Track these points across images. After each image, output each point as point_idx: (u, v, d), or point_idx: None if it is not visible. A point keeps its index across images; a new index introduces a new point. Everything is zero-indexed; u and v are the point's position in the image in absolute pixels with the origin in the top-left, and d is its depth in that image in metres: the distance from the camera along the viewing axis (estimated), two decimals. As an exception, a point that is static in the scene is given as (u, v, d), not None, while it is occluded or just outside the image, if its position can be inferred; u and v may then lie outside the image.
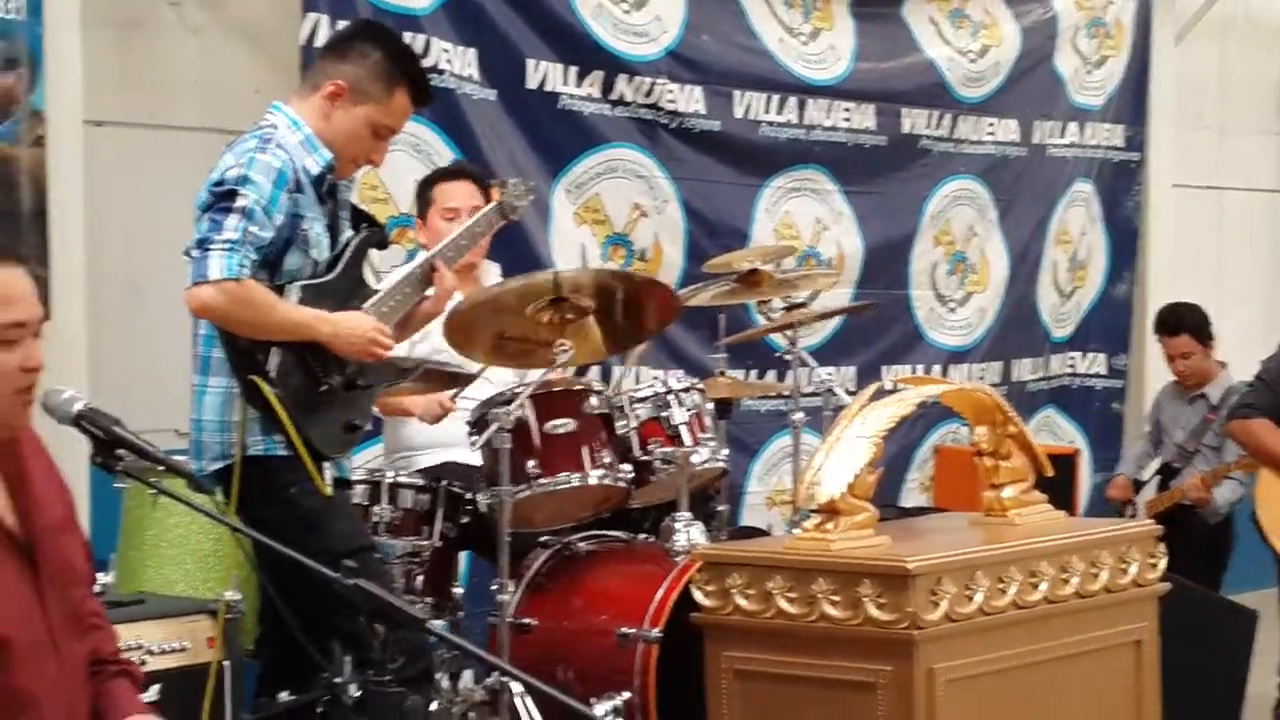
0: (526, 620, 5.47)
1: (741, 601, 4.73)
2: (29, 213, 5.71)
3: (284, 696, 3.80)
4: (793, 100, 8.45)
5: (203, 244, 4.54)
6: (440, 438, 5.89)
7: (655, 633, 5.21)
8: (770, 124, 8.37)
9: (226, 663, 4.70)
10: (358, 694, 3.10)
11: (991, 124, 9.32)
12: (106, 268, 6.31)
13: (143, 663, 4.65)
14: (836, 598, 4.55)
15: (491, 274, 6.33)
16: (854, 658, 4.55)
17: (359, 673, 3.24)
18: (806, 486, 4.71)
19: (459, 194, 6.08)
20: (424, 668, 4.42)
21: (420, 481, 5.57)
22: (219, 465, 4.62)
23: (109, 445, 3.20)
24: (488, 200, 5.57)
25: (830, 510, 4.66)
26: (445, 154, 7.00)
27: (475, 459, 5.54)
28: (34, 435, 3.36)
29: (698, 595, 4.84)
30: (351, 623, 3.87)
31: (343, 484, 4.79)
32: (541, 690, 4.74)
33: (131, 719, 3.35)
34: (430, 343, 5.76)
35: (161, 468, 3.30)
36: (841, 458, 4.66)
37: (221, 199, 4.55)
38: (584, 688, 5.22)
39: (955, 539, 4.95)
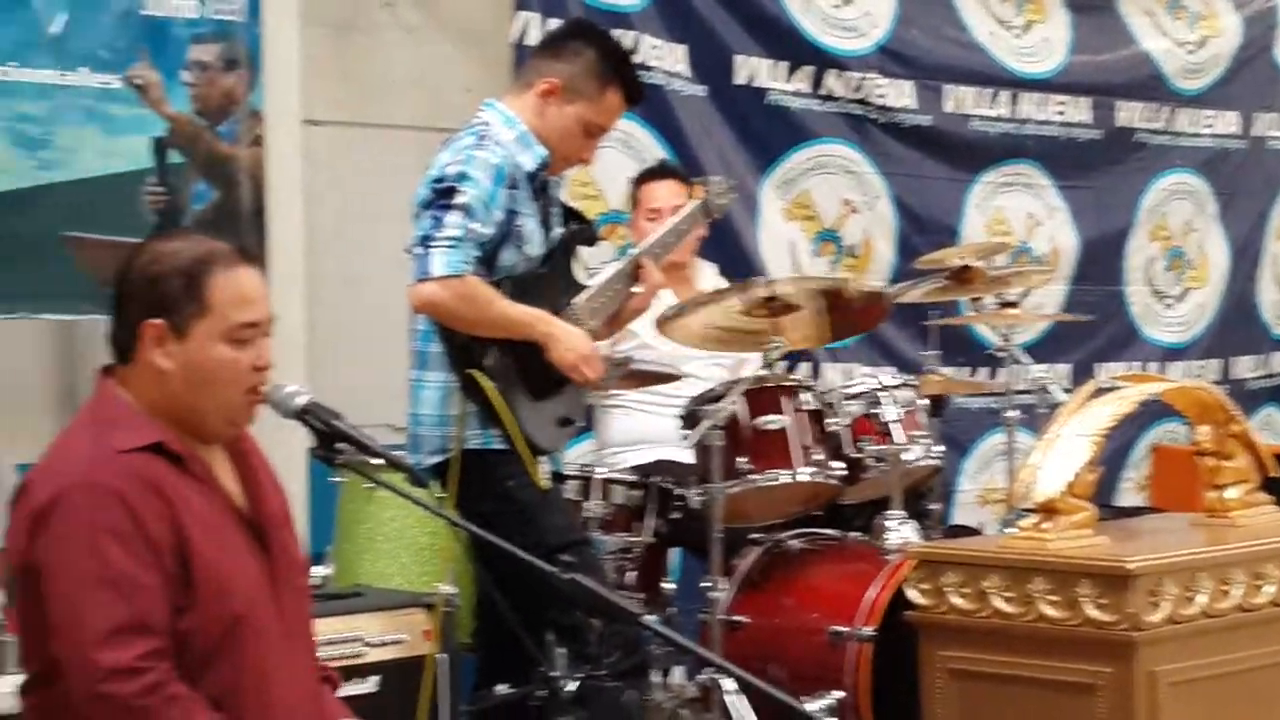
0: (738, 617, 5.46)
1: (956, 600, 4.68)
2: (248, 211, 5.81)
3: (501, 689, 3.82)
4: (1005, 94, 8.33)
5: (425, 241, 4.60)
6: (651, 433, 5.91)
7: (868, 631, 5.17)
8: (981, 118, 8.26)
9: (443, 656, 4.74)
10: (575, 688, 3.10)
11: (1210, 116, 9.11)
12: (323, 265, 6.40)
13: (360, 655, 4.72)
14: (1054, 598, 4.48)
15: (705, 273, 6.34)
16: (1072, 659, 4.48)
17: (575, 667, 3.25)
18: (1023, 485, 4.65)
19: (661, 194, 6.09)
20: (639, 662, 4.43)
21: (632, 477, 5.58)
22: (436, 459, 4.67)
23: (330, 439, 3.25)
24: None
25: (1048, 509, 4.59)
26: (655, 151, 7.00)
27: (686, 455, 5.54)
28: (250, 433, 3.42)
29: (912, 594, 4.79)
30: (567, 616, 3.90)
31: (557, 478, 4.82)
32: (755, 687, 4.75)
33: None
34: (635, 339, 5.77)
35: (380, 461, 3.33)
36: (1060, 456, 4.59)
37: (442, 196, 4.60)
38: (795, 686, 5.19)
39: (1176, 540, 4.85)
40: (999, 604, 4.58)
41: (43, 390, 6.81)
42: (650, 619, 3.03)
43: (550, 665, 3.24)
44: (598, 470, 5.56)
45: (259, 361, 3.24)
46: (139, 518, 3.08)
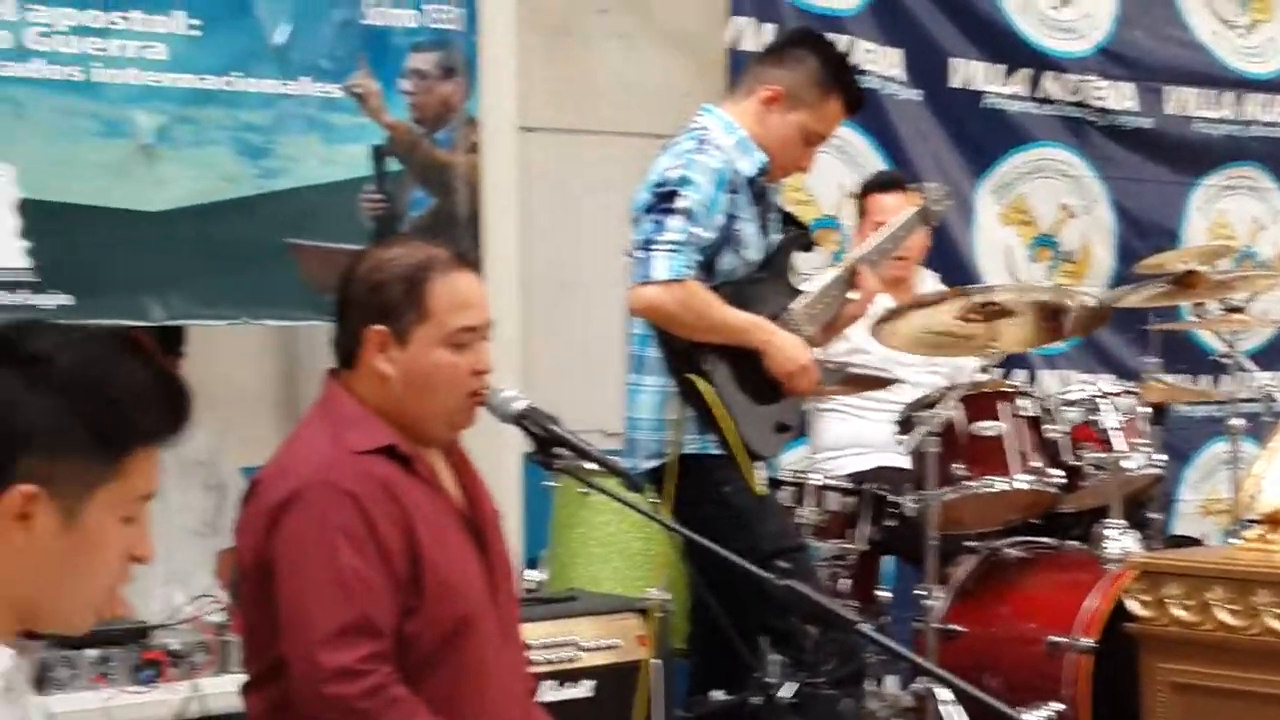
0: (953, 626, 5.40)
1: (1179, 612, 4.58)
2: (464, 217, 5.86)
3: (717, 696, 3.79)
4: (1229, 95, 8.15)
5: (647, 245, 4.62)
6: (866, 439, 5.87)
7: (1087, 642, 5.08)
8: (1204, 120, 8.08)
9: (657, 661, 4.74)
10: (791, 694, 3.08)
11: None
12: (538, 270, 6.44)
13: (574, 659, 4.74)
14: (1280, 611, 4.37)
15: (926, 281, 6.29)
16: (1302, 674, 4.37)
17: (791, 674, 3.23)
18: (1247, 495, 4.54)
19: (890, 206, 6.04)
20: (856, 670, 4.41)
21: (846, 484, 5.54)
22: (653, 463, 4.68)
23: (547, 443, 3.26)
24: None
25: (1273, 520, 4.47)
26: (869, 156, 6.97)
27: (901, 461, 5.49)
28: (456, 438, 3.45)
29: (1132, 605, 4.70)
30: (784, 622, 3.87)
31: (773, 484, 4.80)
32: (971, 697, 4.69)
33: None
34: (849, 344, 5.74)
35: (596, 466, 3.34)
36: (1286, 465, 4.48)
37: (663, 200, 4.62)
38: (1012, 696, 5.11)
39: None
40: (1222, 616, 4.47)
41: (264, 395, 6.96)
42: (866, 626, 2.99)
43: (765, 671, 3.22)
44: (812, 476, 5.54)
45: (478, 366, 3.27)
46: (371, 519, 3.12)
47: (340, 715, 3.07)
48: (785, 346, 4.69)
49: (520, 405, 3.30)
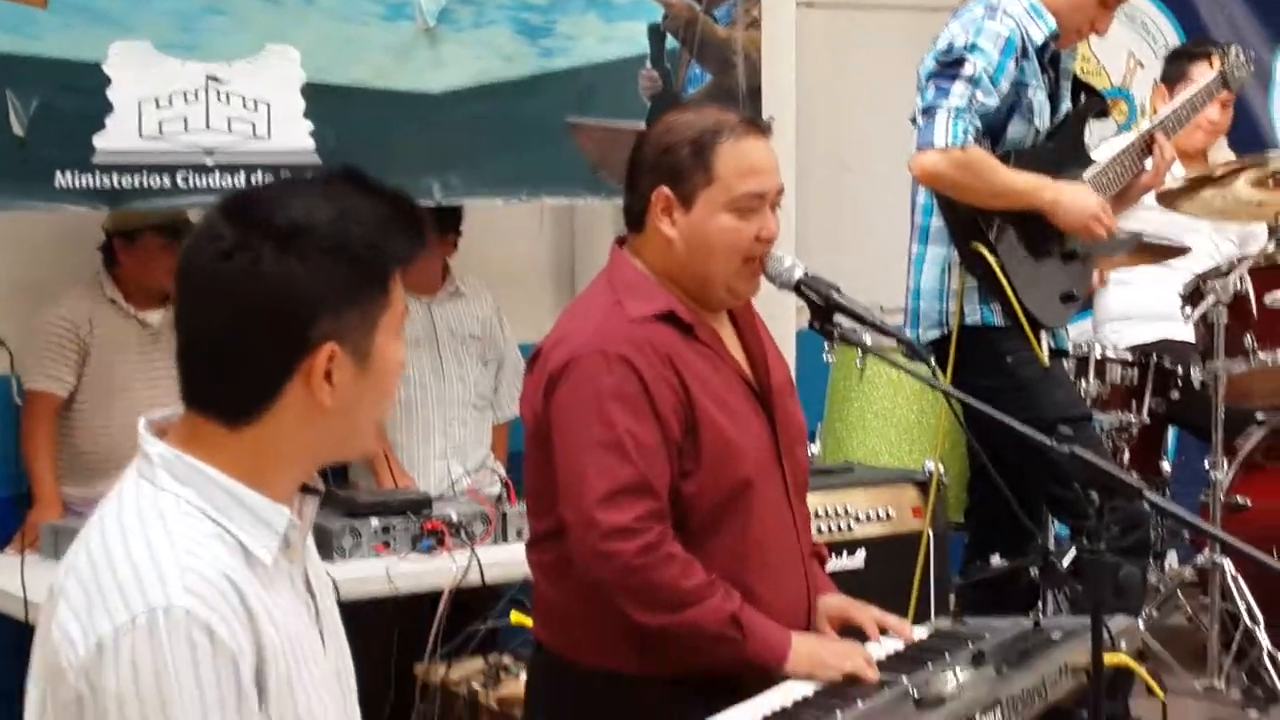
0: (1239, 499, 5.29)
1: None
2: (745, 91, 5.85)
3: (996, 561, 3.78)
4: None
5: (928, 110, 4.57)
6: (1152, 308, 5.74)
7: (1382, 516, 4.94)
8: None
9: (931, 532, 4.73)
10: (1071, 560, 3.05)
11: None
12: (814, 144, 6.42)
13: (849, 530, 4.76)
14: None
15: (1222, 150, 6.11)
16: None
17: (1073, 541, 3.19)
18: None
19: (1190, 74, 5.86)
20: (1141, 538, 4.34)
21: (1130, 357, 5.44)
22: (935, 334, 4.64)
23: (827, 312, 3.25)
24: None
25: None
26: (1161, 24, 6.78)
27: (1187, 333, 5.38)
28: (752, 305, 3.46)
29: None
30: (1066, 491, 3.82)
31: (1059, 354, 4.71)
32: (1258, 572, 4.61)
33: (825, 595, 3.42)
34: (1137, 215, 5.61)
35: (878, 335, 3.32)
36: None
37: (949, 66, 4.56)
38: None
39: None
40: None
41: (541, 273, 7.05)
42: (1152, 494, 2.95)
43: (1046, 539, 3.19)
44: (1095, 349, 5.44)
45: (763, 232, 3.26)
46: (647, 384, 3.15)
47: (616, 572, 3.13)
48: (1075, 198, 4.61)
49: (800, 272, 3.29)
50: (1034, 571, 4.77)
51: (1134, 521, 4.24)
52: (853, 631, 3.36)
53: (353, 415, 2.10)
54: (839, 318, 3.23)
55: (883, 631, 3.37)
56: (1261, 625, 4.83)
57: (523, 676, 4.88)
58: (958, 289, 4.56)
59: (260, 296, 2.02)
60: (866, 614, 3.39)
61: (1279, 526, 5.19)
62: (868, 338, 3.33)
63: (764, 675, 3.15)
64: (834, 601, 3.43)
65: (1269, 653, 4.77)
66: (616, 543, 3.11)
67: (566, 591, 3.27)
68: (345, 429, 2.11)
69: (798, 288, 3.26)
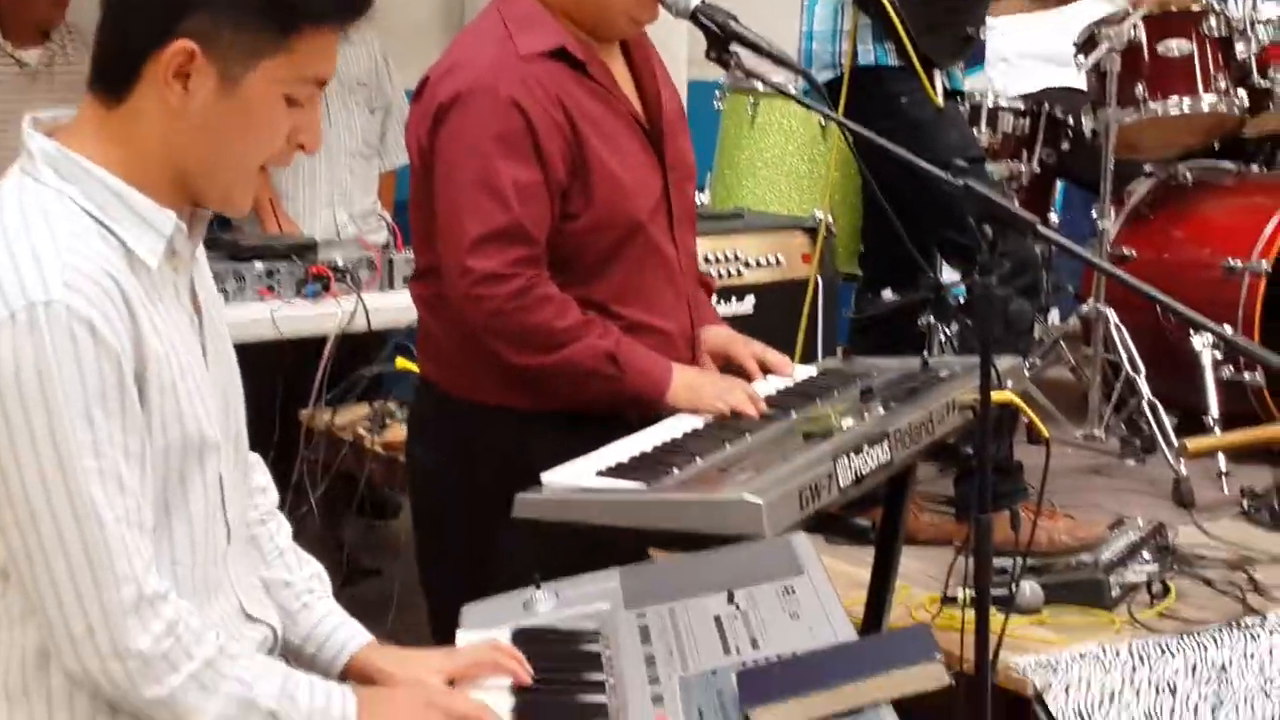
0: (1125, 250, 5.31)
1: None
2: None
3: (888, 295, 3.76)
4: None
5: None
6: (1044, 57, 5.69)
7: (1265, 265, 4.96)
8: None
9: (820, 278, 4.73)
10: (963, 295, 3.04)
11: None
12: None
13: (738, 275, 4.74)
14: None
15: None
16: None
17: (965, 278, 3.17)
18: None
19: None
20: (1031, 281, 4.31)
21: (1021, 105, 5.41)
22: (828, 75, 4.54)
23: (724, 41, 3.17)
24: None
25: None
26: None
27: (1079, 82, 5.34)
28: (646, 36, 3.38)
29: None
30: (958, 234, 3.80)
31: (954, 95, 4.65)
32: (1142, 322, 4.63)
33: (708, 328, 3.41)
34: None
35: (773, 68, 3.25)
36: None
37: None
38: (1182, 321, 5.04)
39: None
40: None
41: (430, 19, 6.91)
42: (1046, 229, 2.92)
43: (937, 273, 3.17)
44: (988, 96, 5.40)
45: None
46: (534, 125, 3.10)
47: (487, 315, 3.12)
48: None
49: (696, 0, 3.20)
50: (923, 315, 4.81)
51: (1025, 263, 4.22)
52: (735, 370, 3.36)
53: (212, 138, 2.04)
54: (736, 48, 3.16)
55: (764, 370, 3.36)
56: (1142, 375, 4.87)
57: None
58: (850, 29, 4.46)
59: None
60: (748, 350, 3.38)
61: (1163, 277, 5.18)
62: (765, 70, 3.26)
63: (648, 410, 3.15)
64: (717, 335, 3.43)
65: (1149, 401, 4.81)
66: (487, 287, 3.10)
67: (448, 327, 3.26)
68: (206, 150, 2.05)
69: (694, 16, 3.18)
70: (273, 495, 2.38)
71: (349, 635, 2.28)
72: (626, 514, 2.63)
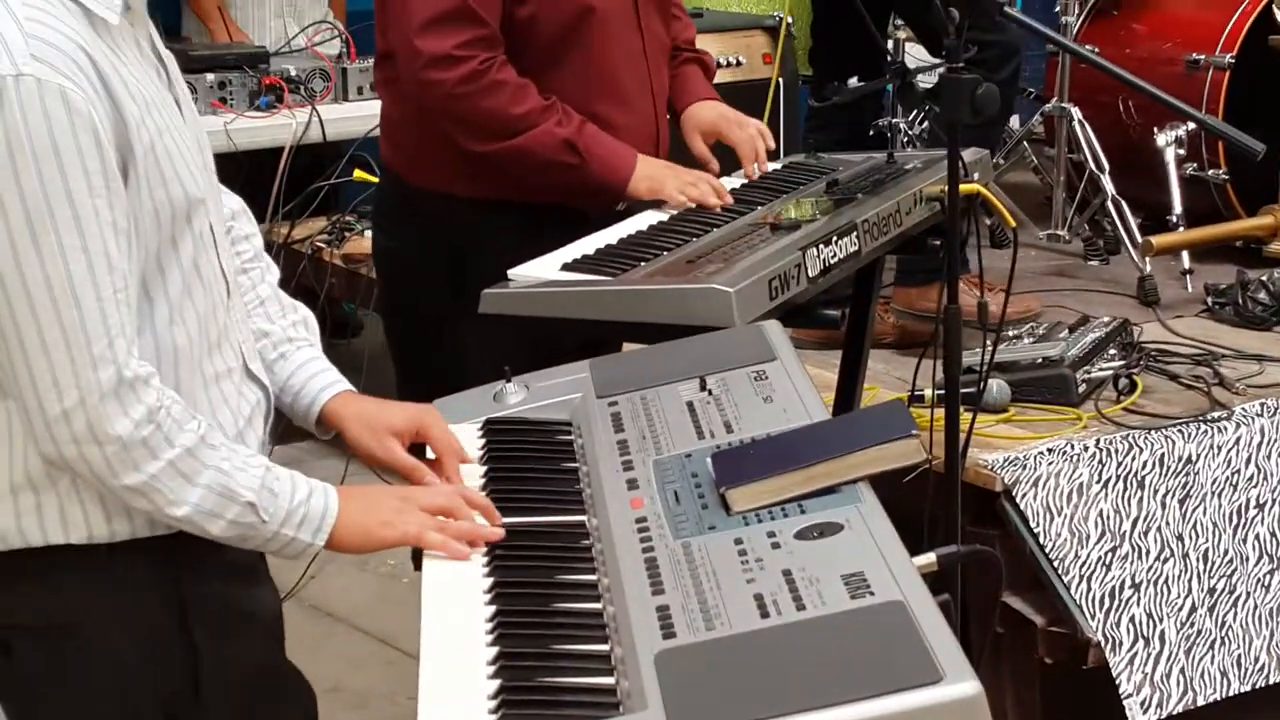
0: (1088, 47, 5.21)
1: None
2: None
3: (854, 82, 3.69)
4: None
5: None
6: None
7: (1228, 59, 4.91)
8: None
9: (781, 78, 4.68)
10: (932, 80, 2.98)
11: None
12: None
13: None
14: None
15: None
16: None
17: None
18: None
19: None
20: (1007, 76, 4.20)
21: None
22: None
23: None
24: None
25: None
26: None
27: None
28: None
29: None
30: (926, 21, 3.71)
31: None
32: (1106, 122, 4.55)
33: (700, 104, 3.35)
34: None
35: None
36: None
37: None
38: (1145, 118, 5.00)
39: None
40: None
41: None
42: (1012, 10, 2.88)
43: (902, 59, 3.11)
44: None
45: None
46: None
47: (439, 99, 3.06)
48: None
49: None
50: (884, 114, 4.75)
51: (1008, 52, 4.13)
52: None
53: None
54: None
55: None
56: (1106, 173, 4.83)
57: (368, 235, 4.82)
58: None
59: None
60: (744, 134, 3.32)
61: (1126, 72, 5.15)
62: None
63: (608, 199, 3.11)
64: (706, 111, 3.37)
65: (1113, 199, 4.77)
66: (438, 71, 3.03)
67: (406, 112, 3.21)
68: None
69: None
70: (257, 242, 2.31)
71: (325, 384, 2.24)
72: (594, 306, 2.61)
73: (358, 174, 4.99)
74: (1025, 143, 5.19)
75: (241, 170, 4.96)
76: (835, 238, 2.85)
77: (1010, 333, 3.90)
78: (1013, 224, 3.18)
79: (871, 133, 4.72)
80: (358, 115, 5.04)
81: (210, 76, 4.93)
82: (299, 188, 5.01)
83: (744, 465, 1.91)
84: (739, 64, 4.71)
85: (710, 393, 2.17)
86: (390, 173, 3.33)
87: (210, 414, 2.02)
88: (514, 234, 3.03)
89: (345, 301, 5.54)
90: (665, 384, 2.23)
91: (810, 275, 2.74)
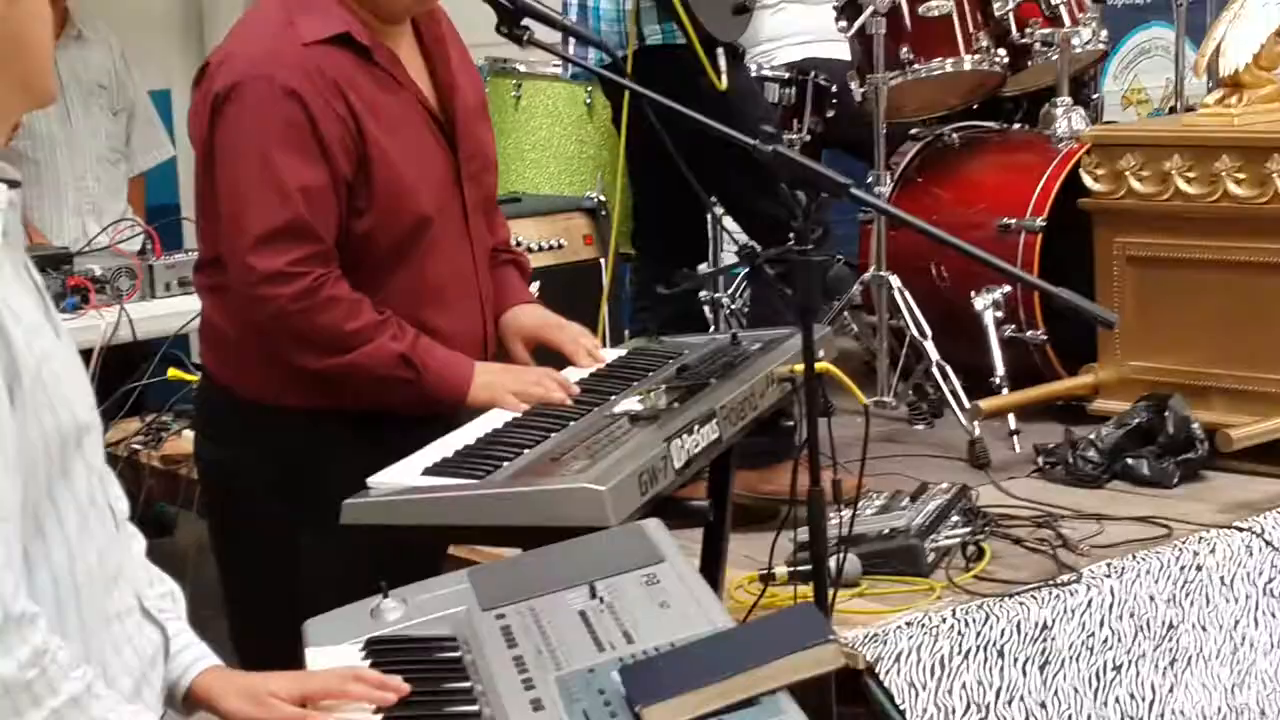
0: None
1: (1135, 184, 4.55)
2: None
3: (703, 268, 3.67)
4: None
5: None
6: (806, 28, 5.65)
7: (1039, 222, 4.99)
8: None
9: (603, 260, 4.65)
10: (780, 266, 2.97)
11: None
12: None
13: (520, 260, 4.64)
14: (1242, 175, 4.33)
15: None
16: (1262, 237, 4.34)
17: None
18: (1204, 58, 4.46)
19: None
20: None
21: (786, 75, 5.37)
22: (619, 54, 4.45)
23: (515, 15, 3.06)
24: None
25: (1234, 84, 4.40)
26: None
27: (839, 50, 5.33)
28: (448, 18, 3.25)
29: (1087, 179, 4.65)
30: (771, 204, 3.70)
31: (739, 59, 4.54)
32: (923, 286, 4.57)
33: (519, 308, 3.30)
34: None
35: (567, 38, 3.16)
36: (1246, 25, 4.38)
37: None
38: (959, 282, 5.07)
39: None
40: (1182, 185, 4.45)
41: (169, 17, 6.69)
42: (859, 191, 2.88)
43: (751, 239, 3.09)
44: (750, 67, 5.34)
45: None
46: (315, 119, 2.96)
47: (271, 317, 2.99)
48: None
49: (485, -26, 3.09)
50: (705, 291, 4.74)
51: (826, 228, 4.14)
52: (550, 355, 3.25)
53: (19, 54, 1.90)
54: (529, 22, 3.05)
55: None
56: (929, 338, 4.86)
57: (186, 434, 4.69)
58: (633, 8, 4.34)
59: None
60: (567, 334, 3.27)
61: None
62: (559, 43, 3.17)
63: (449, 411, 3.04)
64: (528, 317, 3.31)
65: (937, 364, 4.81)
66: (271, 287, 2.96)
67: (233, 320, 3.11)
68: (14, 70, 1.90)
69: (485, -11, 3.07)
70: (123, 504, 2.19)
71: (194, 658, 2.13)
72: (463, 512, 2.53)
73: (172, 373, 4.87)
74: (846, 311, 5.22)
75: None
76: (696, 426, 2.80)
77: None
78: (863, 401, 3.17)
79: (702, 308, 4.73)
80: (168, 313, 4.92)
81: (13, 280, 4.78)
82: (110, 389, 4.85)
83: (656, 680, 1.83)
84: (560, 246, 4.68)
85: (602, 600, 2.09)
86: (215, 383, 3.22)
87: (114, 654, 1.91)
88: (352, 441, 2.95)
89: (159, 502, 5.37)
90: (552, 592, 2.14)
91: (676, 467, 2.69)
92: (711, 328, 4.78)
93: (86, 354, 4.71)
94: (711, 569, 3.29)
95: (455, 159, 3.17)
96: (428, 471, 2.66)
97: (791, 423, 3.18)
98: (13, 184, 1.94)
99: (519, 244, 4.59)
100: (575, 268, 4.64)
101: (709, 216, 4.47)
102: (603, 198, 4.96)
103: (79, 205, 5.81)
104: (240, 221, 2.98)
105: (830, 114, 5.39)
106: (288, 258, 2.96)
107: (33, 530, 1.84)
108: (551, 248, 4.66)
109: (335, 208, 3.00)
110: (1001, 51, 5.23)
